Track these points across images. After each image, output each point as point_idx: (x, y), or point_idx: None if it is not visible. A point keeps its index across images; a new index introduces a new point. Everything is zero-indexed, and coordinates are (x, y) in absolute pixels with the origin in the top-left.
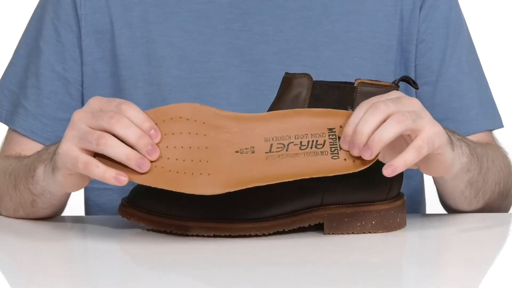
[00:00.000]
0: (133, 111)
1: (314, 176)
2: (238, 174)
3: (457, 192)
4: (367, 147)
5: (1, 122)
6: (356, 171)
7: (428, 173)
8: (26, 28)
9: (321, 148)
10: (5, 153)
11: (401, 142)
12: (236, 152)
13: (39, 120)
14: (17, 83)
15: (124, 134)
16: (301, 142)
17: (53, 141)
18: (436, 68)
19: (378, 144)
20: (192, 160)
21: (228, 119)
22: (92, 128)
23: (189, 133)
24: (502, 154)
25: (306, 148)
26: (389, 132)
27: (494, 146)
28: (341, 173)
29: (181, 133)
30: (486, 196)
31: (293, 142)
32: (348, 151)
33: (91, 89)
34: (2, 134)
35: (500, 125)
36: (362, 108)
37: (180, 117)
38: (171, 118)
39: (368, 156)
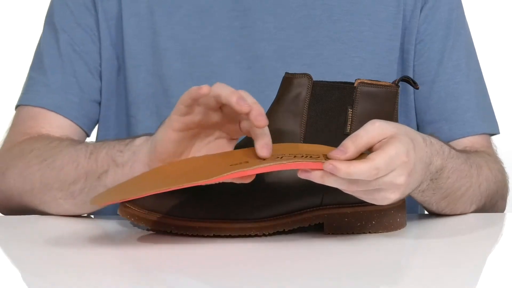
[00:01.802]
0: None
1: (310, 161)
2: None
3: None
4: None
5: (23, 104)
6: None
7: None
8: (45, 23)
9: (316, 158)
10: (30, 130)
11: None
12: (231, 165)
13: (64, 98)
14: (39, 69)
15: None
16: (295, 156)
17: (81, 120)
18: (434, 68)
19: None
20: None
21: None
22: None
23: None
24: (495, 171)
25: (301, 157)
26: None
27: (488, 159)
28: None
29: None
30: (457, 210)
31: (287, 156)
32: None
33: (106, 72)
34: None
35: (496, 131)
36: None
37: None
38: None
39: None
